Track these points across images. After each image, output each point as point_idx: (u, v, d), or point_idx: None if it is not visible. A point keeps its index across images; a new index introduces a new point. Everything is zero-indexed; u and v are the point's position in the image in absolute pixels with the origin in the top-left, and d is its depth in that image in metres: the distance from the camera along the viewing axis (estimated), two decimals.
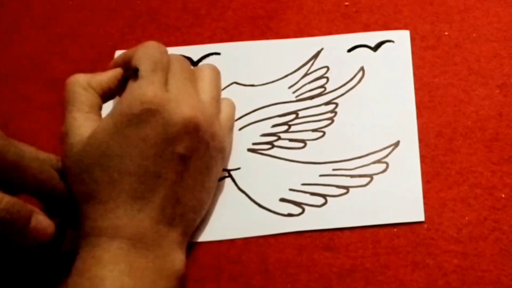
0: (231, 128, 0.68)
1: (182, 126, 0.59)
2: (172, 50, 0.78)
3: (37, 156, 0.60)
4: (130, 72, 0.63)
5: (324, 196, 0.65)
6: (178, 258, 0.59)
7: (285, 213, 0.64)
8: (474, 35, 0.75)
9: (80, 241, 0.58)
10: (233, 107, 0.69)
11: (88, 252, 0.57)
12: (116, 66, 0.66)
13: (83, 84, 0.62)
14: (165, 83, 0.62)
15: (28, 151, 0.59)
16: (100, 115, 0.63)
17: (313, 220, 0.63)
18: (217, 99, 0.65)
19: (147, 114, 0.59)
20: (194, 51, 0.78)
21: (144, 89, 0.60)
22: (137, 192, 0.58)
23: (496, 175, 0.65)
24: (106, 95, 0.64)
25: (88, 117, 0.61)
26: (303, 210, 0.64)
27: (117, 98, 0.66)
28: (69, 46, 0.81)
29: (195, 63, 0.77)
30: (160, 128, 0.59)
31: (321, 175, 0.66)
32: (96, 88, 0.63)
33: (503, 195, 0.63)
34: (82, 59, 0.79)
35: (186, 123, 0.60)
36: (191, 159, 0.60)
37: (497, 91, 0.70)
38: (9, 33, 0.83)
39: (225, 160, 0.66)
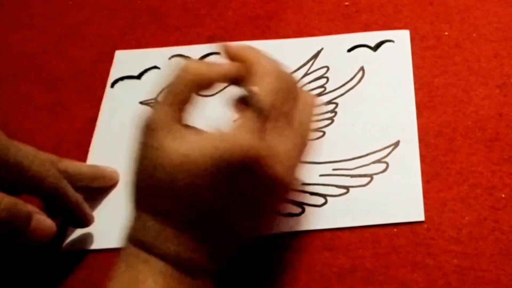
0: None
1: (242, 159, 0.53)
2: (173, 50, 0.78)
3: (37, 156, 0.60)
4: (246, 96, 0.56)
5: (324, 196, 0.65)
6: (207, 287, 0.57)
7: (285, 212, 0.64)
8: (474, 35, 0.75)
9: (125, 244, 0.56)
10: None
11: (132, 265, 0.54)
12: (234, 57, 0.58)
13: (188, 78, 0.56)
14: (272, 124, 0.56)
15: (28, 151, 0.59)
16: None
17: (313, 220, 0.63)
18: (304, 143, 0.59)
19: (241, 167, 0.53)
20: (194, 51, 0.77)
21: (251, 140, 0.54)
22: (189, 217, 0.54)
23: (496, 175, 0.65)
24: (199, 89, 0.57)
25: (175, 117, 0.55)
26: (303, 210, 0.64)
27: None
28: (69, 46, 0.81)
29: None
30: (248, 183, 0.54)
31: (321, 175, 0.66)
32: (194, 85, 0.56)
33: (503, 195, 0.63)
34: (82, 59, 0.79)
35: (246, 157, 0.53)
36: (243, 195, 0.55)
37: (497, 91, 0.70)
38: (9, 33, 0.83)
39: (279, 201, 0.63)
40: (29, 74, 0.79)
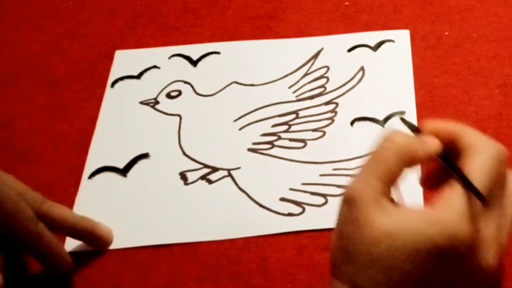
0: None
1: (483, 279, 0.49)
2: (173, 50, 0.78)
3: (17, 194, 0.58)
4: (455, 172, 0.49)
5: (324, 195, 0.65)
6: None
7: (285, 212, 0.64)
8: (474, 35, 0.75)
9: None
10: None
11: None
12: (435, 132, 0.51)
13: (400, 153, 0.50)
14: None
15: (11, 187, 0.58)
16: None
17: (314, 219, 0.63)
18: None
19: (451, 252, 0.47)
20: (194, 50, 0.78)
21: (466, 225, 0.47)
22: None
23: None
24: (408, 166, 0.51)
25: (385, 192, 0.49)
26: (304, 209, 0.64)
27: None
28: (69, 46, 0.81)
29: (194, 62, 0.77)
30: (455, 270, 0.48)
31: (321, 175, 0.66)
32: (405, 161, 0.50)
33: None
34: (82, 59, 0.79)
35: (488, 277, 0.48)
36: None
37: (497, 91, 0.70)
38: (9, 33, 0.83)
39: None
40: (29, 74, 0.79)
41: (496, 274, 0.49)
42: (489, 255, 0.48)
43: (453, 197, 0.48)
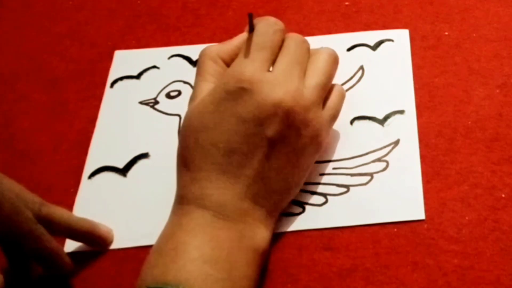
0: (333, 118, 0.66)
1: (272, 110, 0.60)
2: (172, 50, 0.78)
3: (15, 196, 0.58)
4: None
5: (324, 195, 0.65)
6: (259, 234, 0.59)
7: (285, 212, 0.64)
8: (474, 35, 0.75)
9: (173, 205, 0.61)
10: (341, 97, 0.67)
11: (176, 219, 0.59)
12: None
13: (212, 56, 0.64)
14: (271, 62, 0.62)
15: (8, 188, 0.58)
16: None
17: (314, 219, 0.63)
18: (322, 86, 0.64)
19: (241, 92, 0.60)
20: (194, 50, 0.78)
21: (243, 67, 0.61)
22: (224, 166, 0.59)
23: (496, 175, 0.65)
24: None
25: (210, 86, 0.62)
26: (304, 209, 0.64)
27: None
28: (69, 46, 0.81)
29: (194, 62, 0.77)
30: (251, 108, 0.59)
31: (321, 174, 0.66)
32: (225, 58, 0.64)
33: (503, 195, 0.63)
34: (82, 59, 0.79)
35: (276, 107, 0.60)
36: (279, 143, 0.60)
37: (497, 91, 0.70)
38: (9, 33, 0.83)
39: (320, 148, 0.64)
40: (29, 74, 0.79)
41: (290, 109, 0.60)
42: (275, 91, 0.60)
43: (236, 59, 0.63)
